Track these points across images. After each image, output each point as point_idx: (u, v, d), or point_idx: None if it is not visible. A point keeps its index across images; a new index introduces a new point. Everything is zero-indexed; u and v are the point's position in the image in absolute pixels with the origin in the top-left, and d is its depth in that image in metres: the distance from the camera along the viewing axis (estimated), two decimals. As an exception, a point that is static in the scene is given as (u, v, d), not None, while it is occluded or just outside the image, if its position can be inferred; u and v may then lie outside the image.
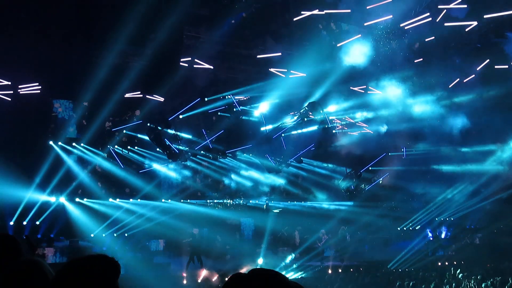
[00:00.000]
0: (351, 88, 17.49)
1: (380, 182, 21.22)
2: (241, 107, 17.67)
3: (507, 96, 16.59)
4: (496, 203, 21.42)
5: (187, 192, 19.96)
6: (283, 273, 2.50)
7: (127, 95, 15.85)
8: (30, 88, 14.80)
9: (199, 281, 16.77)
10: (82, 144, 17.10)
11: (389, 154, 20.27)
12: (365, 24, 14.48)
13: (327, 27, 15.38)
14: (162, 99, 16.22)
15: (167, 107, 16.67)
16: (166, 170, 18.76)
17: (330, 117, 17.89)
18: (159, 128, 16.32)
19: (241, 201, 20.87)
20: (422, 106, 17.67)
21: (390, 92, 17.21)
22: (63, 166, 17.02)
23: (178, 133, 17.29)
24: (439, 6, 14.22)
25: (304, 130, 18.76)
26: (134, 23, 12.78)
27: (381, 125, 18.73)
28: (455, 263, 20.68)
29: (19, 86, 14.62)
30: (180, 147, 17.16)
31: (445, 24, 14.48)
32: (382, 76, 16.73)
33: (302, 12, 14.36)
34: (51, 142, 16.80)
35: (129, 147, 18.00)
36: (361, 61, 15.31)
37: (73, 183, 17.66)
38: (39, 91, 14.95)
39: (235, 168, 20.24)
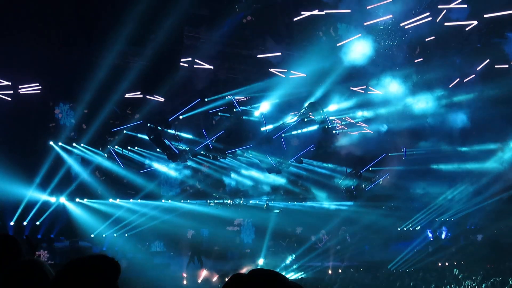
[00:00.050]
0: (351, 88, 17.48)
1: (381, 182, 21.22)
2: (241, 107, 17.67)
3: (508, 95, 16.59)
4: (497, 203, 21.41)
5: (188, 192, 19.97)
6: (283, 273, 2.50)
7: (127, 95, 15.85)
8: (31, 89, 14.80)
9: (199, 281, 16.77)
10: (82, 145, 17.11)
11: (389, 154, 20.27)
12: (365, 24, 14.47)
13: (326, 32, 15.36)
14: (162, 99, 16.22)
15: (167, 107, 16.67)
16: (167, 169, 18.75)
17: (330, 117, 17.89)
18: (159, 128, 16.33)
19: (241, 201, 20.87)
20: (422, 106, 17.66)
21: (390, 92, 17.20)
22: (63, 166, 17.03)
23: (178, 133, 17.31)
24: (439, 6, 14.21)
25: (304, 130, 18.76)
26: (134, 23, 12.79)
27: (381, 125, 18.73)
28: (455, 263, 20.68)
29: (20, 87, 14.62)
30: (180, 147, 17.16)
31: (445, 24, 14.48)
32: (382, 76, 16.72)
33: (302, 13, 14.36)
34: (51, 143, 16.80)
35: (129, 147, 18.00)
36: (361, 61, 15.30)
37: (73, 183, 17.67)
38: (39, 91, 14.95)
39: (236, 168, 20.24)
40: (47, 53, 14.05)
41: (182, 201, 19.72)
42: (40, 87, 14.85)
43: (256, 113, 18.11)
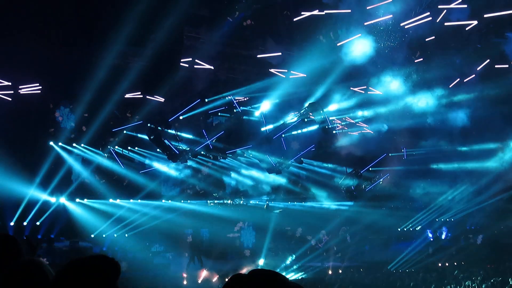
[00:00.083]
0: (351, 88, 17.48)
1: (381, 182, 21.21)
2: (241, 107, 17.67)
3: (508, 95, 16.60)
4: (497, 203, 21.40)
5: (188, 192, 19.96)
6: (283, 273, 2.50)
7: (127, 96, 15.84)
8: (31, 89, 14.80)
9: (200, 281, 16.78)
10: (82, 145, 17.11)
11: (389, 154, 20.27)
12: (365, 24, 14.46)
13: (327, 35, 15.35)
14: (162, 100, 16.22)
15: (167, 107, 16.67)
16: (167, 169, 18.74)
17: (330, 117, 17.89)
18: (159, 128, 16.34)
19: (241, 201, 20.87)
20: (422, 106, 17.67)
21: (390, 91, 17.20)
22: (63, 166, 17.03)
23: (179, 133, 17.31)
24: (439, 6, 14.20)
25: (304, 130, 18.75)
26: (134, 23, 12.78)
27: (381, 125, 18.73)
28: (455, 264, 20.68)
29: (20, 87, 14.62)
30: (180, 147, 17.15)
31: (446, 24, 14.48)
32: (382, 76, 16.72)
33: (302, 13, 14.34)
34: (51, 143, 16.80)
35: (129, 148, 18.00)
36: (361, 60, 15.31)
37: (73, 183, 17.66)
38: (39, 92, 14.94)
39: (236, 168, 20.24)
40: (47, 53, 14.03)
41: (182, 201, 19.72)
42: (40, 87, 14.84)
43: (256, 113, 18.11)
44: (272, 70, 16.32)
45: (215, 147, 17.83)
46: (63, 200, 17.37)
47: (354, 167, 20.14)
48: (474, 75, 16.97)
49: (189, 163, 18.18)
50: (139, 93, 16.07)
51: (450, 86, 17.26)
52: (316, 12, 14.14)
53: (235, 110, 17.48)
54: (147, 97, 16.15)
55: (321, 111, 17.38)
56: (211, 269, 17.26)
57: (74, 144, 17.10)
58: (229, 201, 20.71)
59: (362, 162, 20.01)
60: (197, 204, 19.97)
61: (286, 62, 16.25)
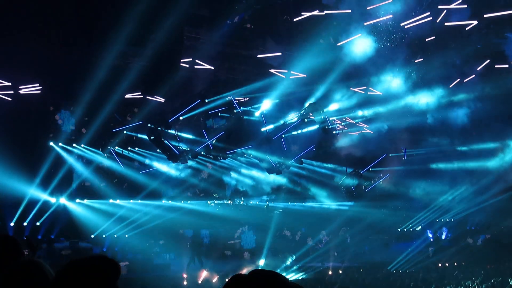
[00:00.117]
0: (351, 89, 17.49)
1: (381, 183, 21.23)
2: (241, 107, 17.67)
3: (508, 95, 16.62)
4: (497, 204, 21.40)
5: (188, 192, 19.96)
6: (284, 274, 2.50)
7: (127, 96, 15.84)
8: (31, 89, 14.80)
9: (200, 282, 16.76)
10: (82, 145, 17.11)
11: (390, 155, 20.27)
12: (365, 24, 14.47)
13: (326, 36, 15.35)
14: (162, 100, 16.22)
15: (167, 108, 16.67)
16: (167, 168, 18.74)
17: (331, 118, 17.90)
18: (160, 129, 16.34)
19: (242, 201, 20.87)
20: (422, 106, 17.68)
21: (390, 92, 17.20)
22: (63, 167, 17.03)
23: (179, 133, 17.32)
24: (440, 6, 14.21)
25: (305, 130, 18.76)
26: (134, 23, 12.78)
27: (381, 125, 18.73)
28: (455, 264, 20.67)
29: (20, 87, 14.62)
30: (180, 148, 17.15)
31: (446, 24, 14.48)
32: (382, 76, 16.72)
33: (302, 13, 14.34)
34: (51, 143, 16.80)
35: (129, 148, 18.00)
36: (361, 60, 15.32)
37: (73, 183, 17.66)
38: (39, 92, 14.94)
39: (236, 168, 20.25)
40: (47, 53, 14.03)
41: (182, 201, 19.72)
42: (40, 87, 14.84)
43: (257, 114, 18.12)
44: (272, 71, 16.32)
45: (215, 147, 17.83)
46: (63, 200, 17.36)
47: (354, 167, 20.15)
48: (474, 75, 16.97)
49: (189, 163, 18.18)
50: (139, 93, 16.07)
51: (450, 87, 17.26)
52: (316, 12, 14.13)
53: (235, 111, 17.47)
54: (147, 97, 16.15)
55: (321, 111, 17.39)
56: (211, 269, 17.24)
57: (74, 145, 17.10)
58: (229, 201, 20.72)
59: (362, 162, 20.02)
60: (197, 204, 19.97)
61: (286, 62, 16.25)
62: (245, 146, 18.55)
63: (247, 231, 21.31)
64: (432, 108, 17.79)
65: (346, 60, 15.30)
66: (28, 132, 15.97)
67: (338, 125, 18.72)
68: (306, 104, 17.57)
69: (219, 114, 18.07)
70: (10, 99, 14.60)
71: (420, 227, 23.37)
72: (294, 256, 19.76)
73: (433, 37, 15.16)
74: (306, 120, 17.98)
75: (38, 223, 16.88)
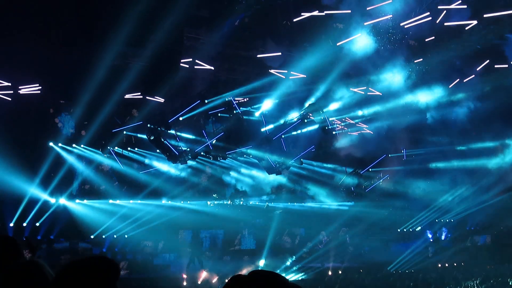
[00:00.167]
0: (351, 89, 17.49)
1: (381, 183, 21.23)
2: (241, 108, 17.67)
3: (507, 94, 16.64)
4: (497, 204, 21.41)
5: (187, 193, 19.95)
6: (284, 274, 2.50)
7: (127, 96, 15.85)
8: (31, 89, 14.80)
9: (199, 282, 16.77)
10: (82, 146, 17.11)
11: (389, 155, 20.28)
12: (365, 24, 14.47)
13: (326, 36, 15.35)
14: (162, 100, 16.23)
15: (167, 108, 16.67)
16: (168, 167, 18.73)
17: (330, 118, 17.90)
18: (159, 129, 16.33)
19: (241, 202, 20.87)
20: (422, 106, 17.70)
21: (390, 92, 17.21)
22: (63, 167, 17.02)
23: (178, 133, 17.31)
24: (439, 7, 14.21)
25: (304, 130, 18.76)
26: (134, 24, 12.77)
27: (381, 126, 18.74)
28: (455, 264, 20.68)
29: (20, 87, 14.61)
30: (180, 148, 17.15)
31: (445, 24, 14.49)
32: (382, 76, 16.73)
33: (302, 14, 14.34)
34: (51, 143, 16.79)
35: (129, 148, 18.00)
36: (361, 61, 15.33)
37: (73, 184, 17.65)
38: (39, 92, 14.94)
39: (236, 168, 20.24)
40: (47, 53, 14.01)
41: (182, 201, 19.71)
42: (40, 87, 14.84)
43: (257, 114, 18.12)
44: (272, 71, 16.32)
45: (215, 147, 17.83)
46: (63, 200, 17.35)
47: (354, 167, 20.16)
48: (473, 75, 16.99)
49: (189, 163, 18.18)
50: (139, 93, 16.07)
51: (450, 87, 17.27)
52: (316, 13, 14.13)
53: (235, 111, 17.47)
54: (147, 97, 16.15)
55: (321, 112, 17.39)
56: (211, 270, 17.25)
57: (74, 145, 17.10)
58: (229, 202, 20.72)
59: (362, 162, 20.04)
60: (197, 204, 19.97)
61: (286, 62, 16.26)
62: (245, 146, 18.54)
63: (247, 236, 21.34)
64: (431, 108, 17.81)
65: (346, 60, 15.31)
66: (28, 132, 15.96)
67: (337, 125, 18.72)
68: (306, 104, 17.58)
69: (219, 114, 18.07)
70: (10, 99, 14.59)
71: (419, 227, 23.36)
72: (294, 257, 19.77)
73: (433, 37, 15.17)
74: (306, 121, 17.99)
75: (37, 224, 16.86)
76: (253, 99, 17.67)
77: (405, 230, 23.33)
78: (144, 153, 18.26)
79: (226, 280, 2.29)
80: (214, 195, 20.46)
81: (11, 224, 16.19)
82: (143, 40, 14.13)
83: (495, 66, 16.45)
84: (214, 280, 16.50)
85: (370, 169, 20.45)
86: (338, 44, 14.98)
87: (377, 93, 17.43)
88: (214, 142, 17.69)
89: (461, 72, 17.03)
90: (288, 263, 19.39)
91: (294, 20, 14.53)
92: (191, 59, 15.40)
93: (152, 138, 16.31)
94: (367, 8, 13.99)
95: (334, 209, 21.67)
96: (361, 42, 14.90)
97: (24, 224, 16.53)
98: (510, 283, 15.49)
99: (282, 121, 18.14)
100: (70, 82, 15.32)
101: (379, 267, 19.53)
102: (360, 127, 19.29)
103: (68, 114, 16.75)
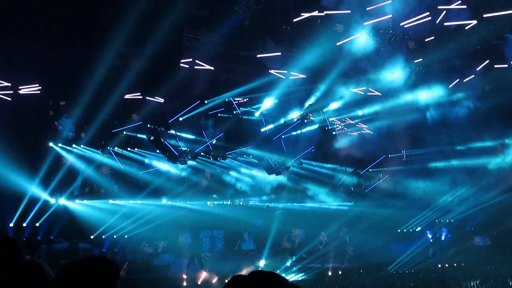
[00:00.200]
0: (351, 89, 17.49)
1: (380, 183, 21.22)
2: (241, 108, 17.67)
3: (507, 94, 16.65)
4: (497, 205, 21.41)
5: (187, 193, 19.94)
6: (284, 275, 2.50)
7: (127, 96, 15.84)
8: (31, 89, 14.79)
9: (199, 283, 16.76)
10: (82, 146, 17.11)
11: (389, 156, 20.27)
12: (365, 24, 14.47)
13: (326, 36, 15.36)
14: (162, 100, 16.22)
15: (167, 108, 16.67)
16: (168, 166, 18.72)
17: (330, 118, 17.89)
18: (159, 129, 16.33)
19: (241, 202, 20.86)
20: (422, 106, 17.70)
21: (389, 92, 17.22)
22: (63, 167, 17.01)
23: (178, 133, 17.30)
24: (439, 7, 14.22)
25: (304, 130, 18.76)
26: (134, 24, 12.78)
27: (381, 126, 18.74)
28: (455, 265, 20.68)
29: (20, 87, 14.61)
30: (180, 148, 17.14)
31: (445, 24, 14.50)
32: (382, 76, 16.73)
33: (302, 14, 14.34)
34: (51, 144, 16.79)
35: (129, 149, 17.99)
36: (360, 60, 15.33)
37: (73, 184, 17.64)
38: (39, 92, 14.93)
39: (235, 168, 20.24)
40: (47, 53, 14.02)
41: (181, 202, 19.71)
42: (40, 87, 14.83)
43: (256, 114, 18.12)
44: (272, 71, 16.33)
45: (215, 147, 17.82)
46: (62, 201, 17.35)
47: (354, 167, 20.16)
48: (473, 75, 17.00)
49: (189, 163, 18.17)
50: (139, 94, 16.07)
51: (449, 87, 17.28)
52: (315, 13, 14.14)
53: (234, 112, 17.47)
54: (147, 98, 16.14)
55: (321, 112, 17.39)
56: (211, 270, 17.24)
57: (73, 145, 17.09)
58: (229, 202, 20.72)
59: (361, 163, 20.03)
60: (197, 204, 19.97)
61: (286, 62, 16.26)
62: (245, 146, 18.54)
63: (247, 239, 21.35)
64: (431, 108, 17.81)
65: (346, 60, 15.32)
66: (28, 132, 15.96)
67: (337, 125, 18.72)
68: (306, 104, 17.58)
69: (219, 114, 18.07)
70: (10, 99, 14.59)
71: (419, 228, 23.36)
72: (294, 257, 19.78)
73: (433, 37, 15.18)
74: (305, 121, 18.00)
75: (37, 224, 16.85)
76: (253, 99, 17.66)
77: (405, 230, 23.32)
78: (144, 153, 18.25)
79: (226, 281, 2.28)
80: (214, 195, 20.45)
81: (11, 224, 16.18)
82: (143, 40, 14.13)
83: (495, 66, 16.45)
84: (214, 280, 16.50)
85: (370, 169, 20.45)
86: (338, 44, 14.98)
87: (377, 93, 17.44)
88: (214, 142, 17.68)
89: (461, 72, 17.04)
90: (288, 263, 19.39)
91: (294, 20, 14.53)
92: (191, 59, 15.40)
93: (152, 138, 16.31)
94: (367, 8, 13.99)
95: (334, 209, 21.67)
96: (360, 42, 14.90)
97: (24, 224, 16.52)
98: (510, 284, 15.50)
99: (282, 121, 18.14)
100: (70, 82, 15.32)
101: (379, 267, 19.52)
102: (360, 127, 19.29)
103: (68, 118, 16.75)
